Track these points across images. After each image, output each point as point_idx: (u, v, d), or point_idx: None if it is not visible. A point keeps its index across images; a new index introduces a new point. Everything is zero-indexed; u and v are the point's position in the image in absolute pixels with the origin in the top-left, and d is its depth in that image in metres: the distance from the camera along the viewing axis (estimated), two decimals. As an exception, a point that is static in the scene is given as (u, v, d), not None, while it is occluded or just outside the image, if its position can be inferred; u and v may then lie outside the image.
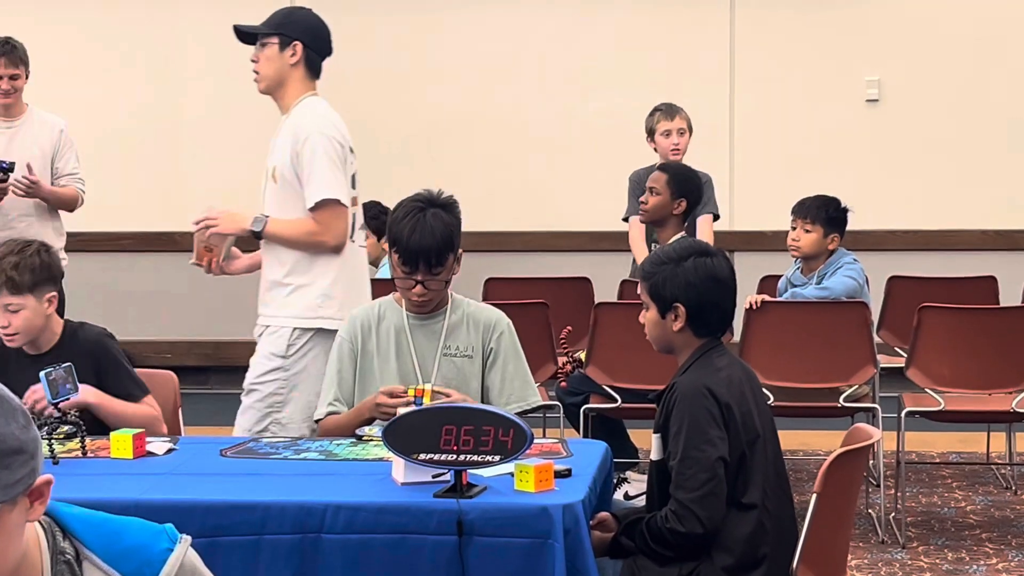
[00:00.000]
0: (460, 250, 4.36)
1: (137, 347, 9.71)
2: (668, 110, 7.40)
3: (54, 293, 4.43)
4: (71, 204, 7.08)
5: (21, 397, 4.08)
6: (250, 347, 5.28)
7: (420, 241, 4.24)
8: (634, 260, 7.20)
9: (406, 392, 4.20)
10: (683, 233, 6.71)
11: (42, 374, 4.12)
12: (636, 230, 7.30)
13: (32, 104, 7.13)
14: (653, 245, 7.31)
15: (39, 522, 2.09)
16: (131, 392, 4.47)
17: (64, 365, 4.20)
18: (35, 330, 4.41)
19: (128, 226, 9.38)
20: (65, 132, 7.06)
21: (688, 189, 6.71)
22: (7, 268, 4.35)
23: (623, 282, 7.35)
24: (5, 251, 4.41)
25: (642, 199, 6.79)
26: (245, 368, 5.25)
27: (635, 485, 6.41)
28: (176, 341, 9.49)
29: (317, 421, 4.46)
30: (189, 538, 2.17)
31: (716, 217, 7.35)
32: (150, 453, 4.09)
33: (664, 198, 6.67)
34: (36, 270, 4.37)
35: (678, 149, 7.33)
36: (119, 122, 9.55)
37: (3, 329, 4.39)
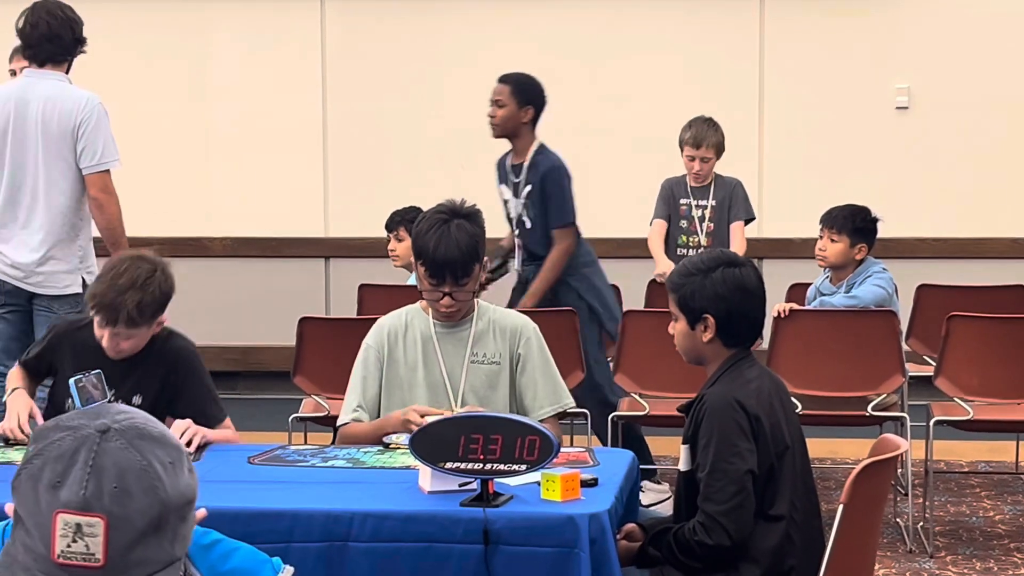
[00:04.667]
0: (486, 259, 4.37)
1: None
2: (695, 136, 7.24)
3: (164, 316, 4.39)
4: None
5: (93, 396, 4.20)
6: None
7: (446, 253, 4.25)
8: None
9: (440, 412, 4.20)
10: (540, 142, 6.88)
11: (71, 381, 4.14)
12: (655, 231, 7.35)
13: None
14: (678, 250, 7.33)
15: None
16: (206, 411, 4.44)
17: (94, 372, 4.21)
18: (140, 347, 4.39)
19: (157, 231, 9.41)
20: None
21: (533, 96, 6.91)
22: (129, 305, 4.24)
23: (650, 283, 7.37)
24: (127, 283, 4.28)
25: (489, 113, 6.93)
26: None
27: (649, 495, 6.39)
28: (205, 346, 9.42)
29: (340, 427, 4.46)
30: (292, 569, 2.19)
31: (749, 220, 7.35)
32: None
33: (511, 108, 6.86)
34: (154, 305, 4.31)
35: (699, 175, 7.28)
36: (150, 129, 9.59)
37: (110, 348, 4.35)
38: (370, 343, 4.48)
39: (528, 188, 6.81)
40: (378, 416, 4.42)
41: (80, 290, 6.02)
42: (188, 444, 4.17)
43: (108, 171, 6.06)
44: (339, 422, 4.49)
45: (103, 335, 4.34)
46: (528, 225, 6.83)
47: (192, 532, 1.99)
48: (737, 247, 7.16)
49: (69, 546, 1.88)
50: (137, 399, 4.37)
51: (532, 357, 4.42)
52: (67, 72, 6.17)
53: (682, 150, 7.33)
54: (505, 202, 6.96)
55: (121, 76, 9.56)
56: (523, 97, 6.86)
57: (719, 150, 7.31)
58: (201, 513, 2.03)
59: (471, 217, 4.35)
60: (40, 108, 5.99)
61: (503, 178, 7.00)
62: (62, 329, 4.59)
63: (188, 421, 4.30)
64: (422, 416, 4.17)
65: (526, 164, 6.83)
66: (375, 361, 4.45)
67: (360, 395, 4.44)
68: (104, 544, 1.88)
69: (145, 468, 1.91)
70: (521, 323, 4.46)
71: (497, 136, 6.95)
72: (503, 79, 6.99)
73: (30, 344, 6.02)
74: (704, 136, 7.28)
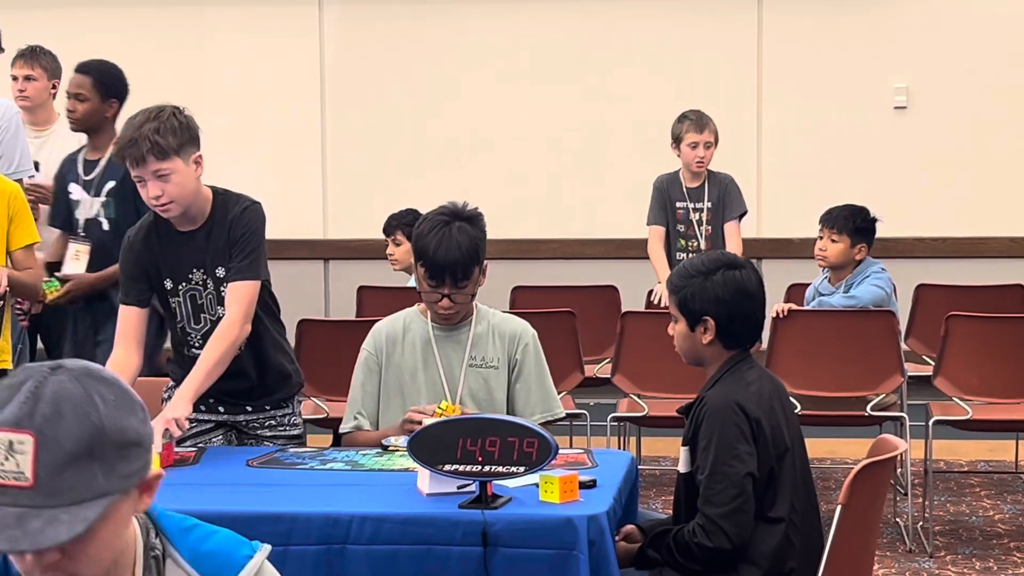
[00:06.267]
0: (485, 262, 4.37)
1: (166, 353, 9.74)
2: (697, 121, 7.27)
3: (199, 154, 4.33)
4: None
5: (180, 276, 4.32)
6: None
7: (446, 255, 4.25)
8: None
9: (434, 410, 4.21)
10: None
11: None
12: (655, 239, 7.32)
13: (64, 114, 7.10)
14: (677, 255, 7.33)
15: (136, 519, 2.18)
16: (248, 273, 4.37)
17: None
18: (189, 195, 4.29)
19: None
20: None
21: (118, 88, 6.34)
22: (149, 134, 4.21)
23: (649, 292, 7.37)
24: (141, 119, 4.27)
25: (68, 107, 6.32)
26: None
27: None
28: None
29: (343, 435, 4.47)
30: (268, 547, 2.24)
31: (742, 215, 7.36)
32: (179, 458, 4.11)
33: (94, 103, 6.30)
34: (177, 130, 4.24)
35: (702, 162, 7.27)
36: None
37: (156, 200, 4.26)
38: (368, 349, 4.48)
39: (110, 185, 6.14)
40: (377, 421, 4.43)
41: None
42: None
43: (22, 180, 6.05)
44: (341, 430, 4.49)
45: (145, 190, 4.28)
46: (105, 227, 6.13)
47: (134, 474, 2.03)
48: (734, 248, 7.16)
49: (2, 464, 1.95)
50: (220, 271, 4.39)
51: (528, 364, 4.42)
52: None
53: (680, 143, 7.30)
54: (72, 203, 6.22)
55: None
56: (107, 90, 6.29)
57: (717, 137, 7.32)
58: (158, 472, 2.09)
59: (472, 220, 4.35)
60: None
61: (71, 176, 6.27)
62: (131, 242, 4.46)
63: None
64: (418, 414, 4.19)
65: (104, 161, 6.20)
66: (373, 367, 4.45)
67: (360, 402, 4.45)
68: (33, 463, 1.95)
69: (82, 397, 1.99)
70: (521, 329, 4.46)
71: (77, 131, 6.36)
72: (83, 69, 6.35)
73: None
74: (705, 120, 7.28)
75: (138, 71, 9.62)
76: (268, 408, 4.55)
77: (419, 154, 9.59)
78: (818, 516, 3.91)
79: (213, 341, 4.32)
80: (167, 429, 4.07)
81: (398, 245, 7.15)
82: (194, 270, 4.41)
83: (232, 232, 4.39)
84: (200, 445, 4.45)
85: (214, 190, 4.46)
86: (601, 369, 6.88)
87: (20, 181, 6.03)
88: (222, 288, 4.40)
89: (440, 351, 4.41)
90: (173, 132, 4.25)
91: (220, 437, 4.52)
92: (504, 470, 3.55)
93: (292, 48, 9.61)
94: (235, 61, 9.68)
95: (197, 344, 4.44)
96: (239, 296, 4.36)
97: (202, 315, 4.45)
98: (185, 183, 4.29)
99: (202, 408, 4.42)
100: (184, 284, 4.42)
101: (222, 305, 4.40)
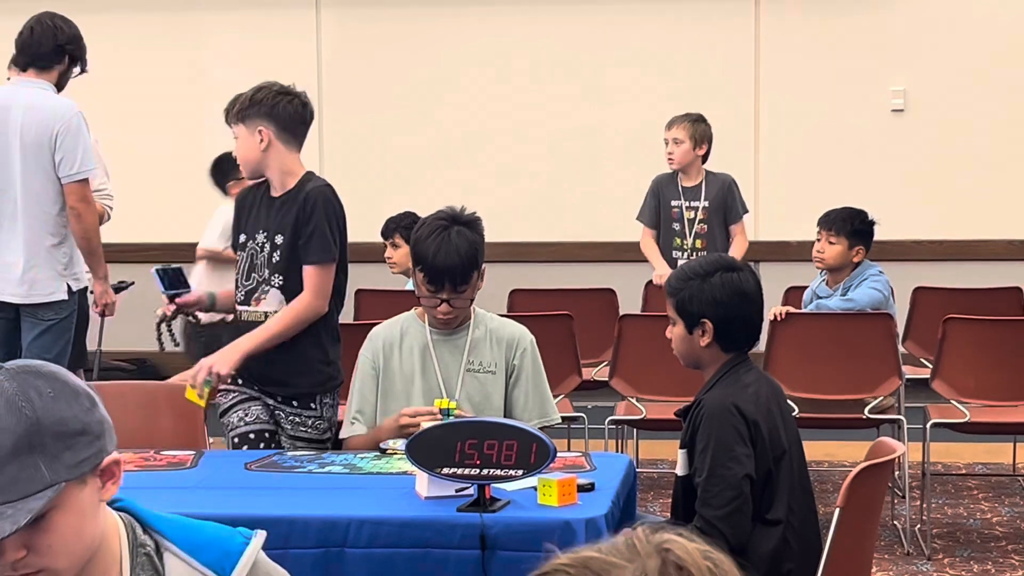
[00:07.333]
0: (483, 266, 4.37)
1: (165, 357, 9.74)
2: (672, 120, 7.44)
3: (263, 128, 4.64)
4: None
5: (250, 233, 4.65)
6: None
7: (445, 260, 4.25)
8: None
9: (431, 408, 4.20)
10: None
11: (153, 270, 4.59)
12: (646, 236, 7.39)
13: None
14: (673, 253, 7.34)
15: (120, 518, 2.17)
16: (311, 256, 4.59)
17: (174, 267, 4.68)
18: (250, 162, 4.69)
19: (155, 237, 9.41)
20: (93, 147, 6.99)
21: None
22: (228, 103, 4.74)
23: (647, 285, 7.38)
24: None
25: None
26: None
27: None
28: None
29: (343, 440, 4.47)
30: (264, 533, 2.25)
31: (744, 213, 7.42)
32: (177, 460, 4.11)
33: None
34: (247, 101, 4.67)
35: (671, 158, 7.36)
36: (147, 136, 9.59)
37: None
38: (366, 354, 4.49)
39: None
40: (375, 426, 4.42)
41: (65, 296, 5.99)
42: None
43: (87, 180, 6.02)
44: (341, 434, 4.50)
45: None
46: None
47: (83, 462, 2.04)
48: (740, 247, 7.21)
49: None
50: (279, 238, 4.62)
51: (526, 369, 4.43)
52: (57, 82, 6.12)
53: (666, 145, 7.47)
54: None
55: (118, 83, 9.56)
56: None
57: (696, 138, 7.33)
58: (115, 457, 2.10)
59: (471, 224, 4.35)
60: (20, 116, 5.94)
61: None
62: (242, 195, 4.85)
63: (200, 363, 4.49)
64: (413, 416, 4.19)
65: None
66: (370, 372, 4.45)
67: (358, 408, 4.45)
68: None
69: (16, 393, 2.02)
70: (519, 334, 4.46)
71: None
72: None
73: (10, 355, 5.98)
74: (676, 120, 7.38)
75: (137, 73, 9.68)
76: (295, 403, 4.59)
77: (416, 157, 9.59)
78: (816, 519, 3.91)
79: (280, 312, 4.60)
80: (208, 378, 4.45)
81: (396, 248, 7.15)
82: (261, 231, 4.65)
83: (299, 213, 4.62)
84: (239, 414, 4.64)
85: (308, 172, 4.73)
86: (599, 372, 6.88)
87: (85, 181, 5.99)
88: (275, 255, 4.61)
89: (438, 356, 4.41)
90: (243, 102, 4.69)
91: (260, 406, 4.64)
92: (502, 473, 3.55)
93: (289, 50, 9.60)
94: (232, 63, 9.68)
95: (240, 299, 4.71)
96: (306, 279, 4.61)
97: (253, 274, 4.67)
98: (244, 148, 4.70)
99: (239, 381, 4.63)
100: (251, 242, 4.67)
101: (271, 269, 4.61)
